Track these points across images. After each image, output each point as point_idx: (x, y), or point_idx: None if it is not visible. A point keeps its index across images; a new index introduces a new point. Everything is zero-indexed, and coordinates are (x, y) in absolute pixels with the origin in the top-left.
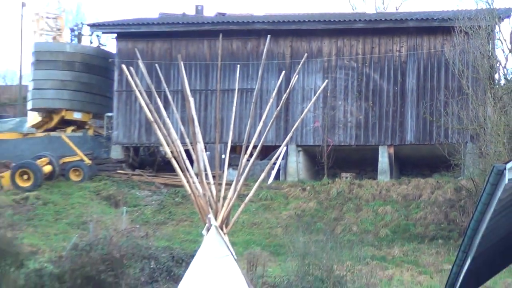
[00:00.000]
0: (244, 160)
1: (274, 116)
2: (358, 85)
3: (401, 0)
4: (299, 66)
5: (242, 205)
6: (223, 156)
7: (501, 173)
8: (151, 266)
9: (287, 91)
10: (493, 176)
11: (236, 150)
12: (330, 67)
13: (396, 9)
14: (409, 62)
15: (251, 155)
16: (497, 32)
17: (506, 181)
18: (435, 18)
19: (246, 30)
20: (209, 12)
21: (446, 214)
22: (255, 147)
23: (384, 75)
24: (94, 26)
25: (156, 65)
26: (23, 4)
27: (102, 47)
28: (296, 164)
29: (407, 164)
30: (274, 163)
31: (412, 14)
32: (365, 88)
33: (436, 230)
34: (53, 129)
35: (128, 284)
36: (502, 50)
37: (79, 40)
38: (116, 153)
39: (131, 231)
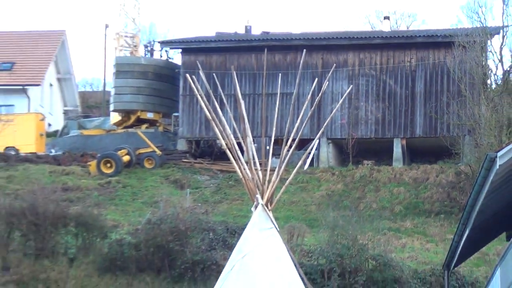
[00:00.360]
0: (285, 150)
1: (309, 115)
2: (377, 90)
3: (411, 19)
4: (329, 75)
5: (283, 187)
6: (267, 147)
7: (493, 160)
8: (210, 237)
9: (319, 94)
10: (486, 163)
11: (278, 142)
12: (354, 75)
13: (407, 28)
14: (417, 71)
15: (290, 146)
16: (489, 46)
17: (497, 166)
18: (439, 34)
19: (286, 46)
20: (256, 31)
21: (448, 194)
22: (293, 140)
23: (397, 81)
24: (164, 43)
25: (213, 74)
26: (107, 26)
27: (170, 60)
28: (327, 154)
29: (417, 153)
30: (309, 153)
31: (420, 32)
32: (382, 92)
33: (440, 207)
34: (131, 126)
35: (191, 252)
36: (493, 60)
37: (151, 54)
38: (181, 145)
39: (194, 208)
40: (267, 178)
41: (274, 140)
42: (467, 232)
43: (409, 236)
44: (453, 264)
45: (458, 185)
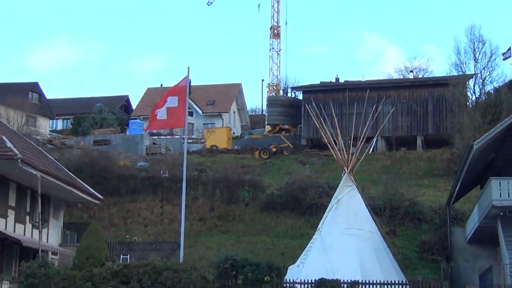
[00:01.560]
0: (358, 143)
1: (370, 124)
2: (406, 109)
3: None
4: (381, 102)
5: (358, 162)
6: (349, 142)
7: (471, 146)
8: (319, 190)
9: (376, 112)
10: (468, 147)
11: (355, 138)
12: (394, 102)
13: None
14: (429, 99)
15: (361, 140)
16: (468, 84)
17: (474, 149)
18: (440, 79)
19: (358, 87)
20: (342, 79)
21: (448, 165)
22: (362, 137)
23: (418, 104)
24: (293, 88)
25: (320, 104)
26: (262, 80)
27: (296, 97)
28: (381, 144)
29: (430, 144)
30: (371, 144)
31: (430, 78)
32: (409, 110)
33: (443, 172)
34: (276, 132)
35: (310, 198)
36: (469, 92)
37: (286, 94)
38: (303, 142)
39: (310, 176)
40: (350, 158)
41: (353, 137)
42: (458, 185)
43: (426, 188)
44: (451, 203)
45: (453, 160)
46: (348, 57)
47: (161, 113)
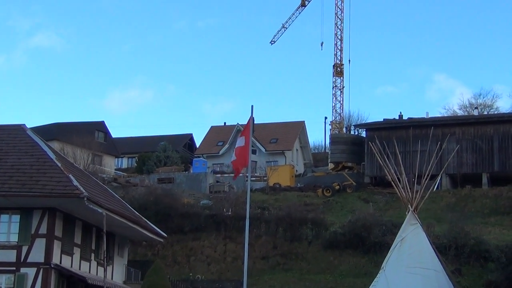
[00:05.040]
0: (423, 180)
1: (435, 162)
2: (471, 146)
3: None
4: (446, 139)
5: (423, 200)
6: (413, 179)
7: None
8: (383, 228)
9: (441, 150)
10: None
11: (419, 176)
12: (459, 139)
13: (487, 112)
14: (494, 135)
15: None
16: None
17: None
18: (505, 116)
19: (422, 125)
20: (405, 116)
21: None
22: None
23: (483, 141)
24: (356, 126)
25: (383, 141)
26: (325, 117)
27: (359, 135)
28: (445, 181)
29: (496, 181)
30: (436, 181)
31: (494, 115)
32: (474, 147)
33: (510, 210)
34: (339, 170)
35: (374, 236)
36: None
37: (349, 132)
38: (367, 179)
39: (374, 214)
40: (414, 195)
41: (417, 174)
42: None
43: (492, 226)
44: None
45: None
46: (414, 96)
47: (233, 156)
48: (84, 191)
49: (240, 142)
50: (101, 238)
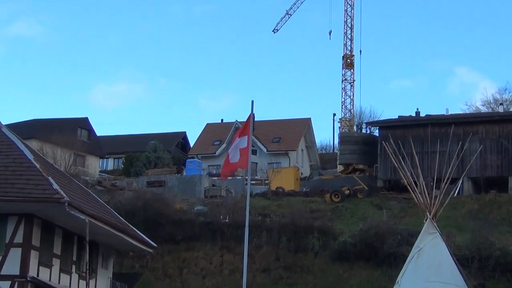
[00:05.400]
0: (443, 184)
1: (456, 163)
2: (496, 147)
3: None
4: (468, 139)
5: (442, 207)
6: (431, 183)
7: None
8: (398, 238)
9: (462, 151)
10: None
11: (438, 180)
12: (482, 138)
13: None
14: None
15: (445, 182)
16: None
17: None
18: None
19: (441, 123)
20: (423, 114)
21: None
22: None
23: (509, 141)
24: (368, 123)
25: (398, 141)
26: (334, 114)
27: (371, 133)
28: (467, 186)
29: None
30: (457, 186)
31: None
32: (500, 148)
33: None
34: (349, 173)
35: (388, 247)
36: None
37: (360, 130)
38: (380, 183)
39: (387, 221)
40: (433, 201)
41: (436, 178)
42: None
43: None
44: None
45: None
46: (433, 91)
47: (235, 156)
48: (65, 195)
49: (243, 142)
50: (84, 248)
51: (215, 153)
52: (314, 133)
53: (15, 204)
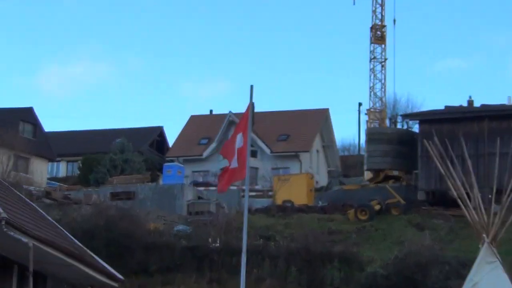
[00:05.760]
0: (505, 198)
1: None
2: None
3: None
4: None
5: (504, 227)
6: (490, 196)
7: None
8: (446, 269)
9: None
10: None
11: (498, 192)
12: None
13: None
14: None
15: (508, 195)
16: None
17: None
18: None
19: (501, 115)
20: (477, 103)
21: None
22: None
23: None
24: (405, 116)
25: (445, 139)
26: (360, 104)
27: (409, 129)
28: None
29: None
30: None
31: None
32: None
33: None
34: (380, 182)
35: (432, 281)
36: None
37: (395, 125)
38: (421, 195)
39: (432, 246)
40: (491, 220)
41: (496, 189)
42: None
43: None
44: None
45: None
46: (491, 74)
47: (236, 160)
48: (1, 211)
49: (240, 141)
50: (26, 281)
51: (201, 155)
52: (334, 129)
53: None
